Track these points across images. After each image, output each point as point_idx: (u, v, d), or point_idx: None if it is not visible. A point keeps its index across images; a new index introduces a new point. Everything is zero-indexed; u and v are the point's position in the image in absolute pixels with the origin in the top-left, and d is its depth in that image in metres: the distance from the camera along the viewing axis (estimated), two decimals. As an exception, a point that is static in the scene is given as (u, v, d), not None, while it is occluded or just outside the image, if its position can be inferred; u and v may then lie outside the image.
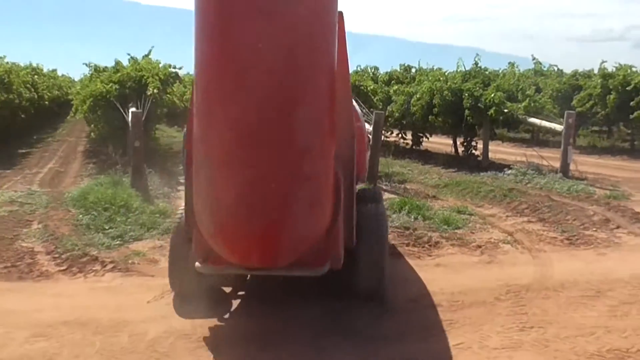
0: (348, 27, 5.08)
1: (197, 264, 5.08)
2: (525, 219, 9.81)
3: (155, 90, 14.38)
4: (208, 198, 4.61)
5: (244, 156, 4.33)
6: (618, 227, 9.21)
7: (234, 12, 4.17)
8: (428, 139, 19.63)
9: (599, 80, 19.88)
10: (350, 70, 7.70)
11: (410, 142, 19.45)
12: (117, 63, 16.36)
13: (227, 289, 6.25)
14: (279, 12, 4.18)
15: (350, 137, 5.33)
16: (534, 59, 26.42)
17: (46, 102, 27.50)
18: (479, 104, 15.02)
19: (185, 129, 5.57)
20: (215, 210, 4.57)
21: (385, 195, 11.20)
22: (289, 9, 4.21)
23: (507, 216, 10.05)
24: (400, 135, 19.45)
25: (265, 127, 4.26)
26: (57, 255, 7.36)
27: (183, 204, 5.52)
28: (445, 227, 8.98)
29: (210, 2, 4.31)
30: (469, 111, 15.29)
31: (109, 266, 7.04)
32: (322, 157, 4.66)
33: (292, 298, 6.09)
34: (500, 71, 17.59)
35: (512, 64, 18.38)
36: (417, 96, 17.12)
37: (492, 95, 14.75)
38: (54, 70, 37.26)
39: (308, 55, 4.35)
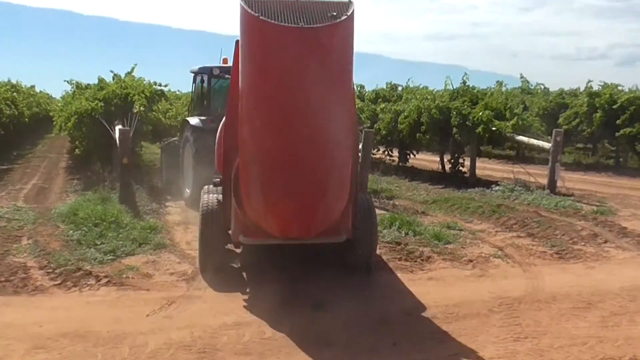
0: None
1: (241, 238, 6.79)
2: (515, 234, 9.91)
3: (141, 108, 14.35)
4: (260, 186, 6.25)
5: (294, 152, 5.96)
6: (606, 242, 9.33)
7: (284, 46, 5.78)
8: (415, 156, 19.73)
9: (585, 99, 20.15)
10: None
11: (396, 159, 19.53)
12: (101, 80, 16.31)
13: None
14: (318, 40, 5.73)
15: (356, 140, 6.84)
16: (521, 77, 26.64)
17: (26, 119, 27.34)
18: (467, 122, 15.15)
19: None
20: (267, 194, 6.23)
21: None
22: (326, 40, 5.75)
23: (496, 231, 10.14)
24: (386, 152, 19.53)
25: (310, 131, 5.91)
26: (50, 270, 7.33)
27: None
28: (436, 242, 9.05)
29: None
30: (457, 129, 15.41)
31: (104, 280, 7.04)
32: (347, 149, 6.39)
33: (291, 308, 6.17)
34: (487, 89, 17.69)
35: (500, 83, 18.56)
36: (405, 114, 17.23)
37: (480, 113, 14.88)
38: (33, 87, 37.07)
39: (340, 82, 6.04)
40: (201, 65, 12.47)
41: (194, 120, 11.93)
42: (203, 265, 7.36)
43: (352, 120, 6.59)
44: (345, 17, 5.76)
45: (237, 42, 6.36)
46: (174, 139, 13.98)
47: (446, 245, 8.95)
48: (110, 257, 7.95)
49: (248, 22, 5.78)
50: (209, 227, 7.18)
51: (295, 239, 6.74)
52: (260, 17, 5.62)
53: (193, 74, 12.93)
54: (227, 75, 11.26)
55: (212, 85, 12.26)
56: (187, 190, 12.02)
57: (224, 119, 7.29)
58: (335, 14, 5.77)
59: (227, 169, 6.87)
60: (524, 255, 8.60)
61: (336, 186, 6.33)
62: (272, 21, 5.62)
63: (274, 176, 6.10)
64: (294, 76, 5.77)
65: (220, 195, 7.23)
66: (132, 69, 16.40)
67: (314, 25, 5.65)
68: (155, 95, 15.99)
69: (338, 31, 5.78)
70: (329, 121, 5.95)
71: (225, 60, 12.13)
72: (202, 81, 12.57)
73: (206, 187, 7.95)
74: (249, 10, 5.69)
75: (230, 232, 7.10)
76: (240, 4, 5.78)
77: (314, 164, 6.09)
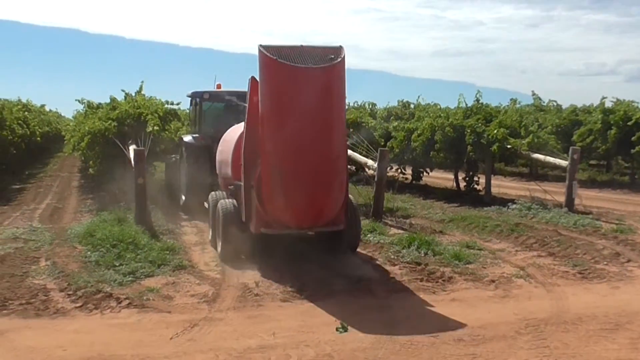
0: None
1: (262, 229, 8.60)
2: (535, 253, 9.81)
3: (155, 128, 14.36)
4: (282, 189, 8.10)
5: (308, 163, 7.97)
6: (629, 261, 9.22)
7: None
8: (428, 174, 19.66)
9: (599, 116, 20.04)
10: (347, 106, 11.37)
11: (409, 177, 19.45)
12: (113, 100, 16.35)
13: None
14: (319, 77, 7.82)
15: (347, 152, 9.19)
16: (533, 94, 26.55)
17: (38, 138, 27.49)
18: (482, 140, 15.09)
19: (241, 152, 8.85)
20: (287, 194, 8.10)
21: (392, 231, 11.23)
22: (326, 76, 7.85)
23: (516, 251, 10.04)
24: (399, 170, 19.46)
25: (318, 145, 7.94)
26: (71, 292, 7.32)
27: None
28: (457, 262, 8.97)
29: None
30: (472, 147, 15.36)
31: (124, 302, 6.99)
32: (344, 160, 8.68)
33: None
34: (500, 107, 17.63)
35: (513, 100, 18.46)
36: (418, 132, 17.16)
37: (495, 131, 14.82)
38: (43, 106, 37.29)
39: (337, 109, 8.18)
40: (195, 90, 14.12)
41: (187, 138, 13.83)
42: (224, 253, 9.06)
43: (345, 135, 8.87)
44: (340, 59, 7.85)
45: (251, 77, 8.42)
46: (175, 155, 14.83)
47: (467, 265, 8.87)
48: (129, 279, 7.93)
49: (267, 63, 7.74)
50: (229, 223, 9.03)
51: (308, 228, 8.84)
52: (277, 60, 7.58)
53: (189, 97, 14.53)
54: (216, 101, 13.80)
55: (202, 108, 13.99)
56: (182, 197, 13.71)
57: (239, 140, 9.20)
58: (332, 56, 7.85)
59: (247, 177, 8.68)
60: (547, 275, 8.50)
61: (338, 186, 8.46)
62: (286, 62, 7.59)
63: (292, 181, 8.05)
64: (304, 104, 7.77)
65: (234, 200, 9.35)
66: (141, 87, 16.46)
67: (318, 66, 7.72)
68: (169, 115, 16.04)
69: (335, 70, 7.87)
70: (332, 137, 8.16)
71: (219, 86, 13.94)
72: (196, 104, 14.25)
73: (213, 193, 10.42)
74: (267, 54, 7.65)
75: (251, 225, 8.78)
76: (260, 49, 7.71)
77: (322, 171, 8.10)
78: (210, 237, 10.25)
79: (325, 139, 8.02)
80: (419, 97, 23.53)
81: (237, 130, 9.96)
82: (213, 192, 10.41)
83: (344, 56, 7.88)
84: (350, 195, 9.41)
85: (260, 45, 7.71)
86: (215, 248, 9.63)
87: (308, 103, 7.72)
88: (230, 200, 9.48)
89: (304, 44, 7.95)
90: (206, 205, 10.66)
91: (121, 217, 11.29)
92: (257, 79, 8.16)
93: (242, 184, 8.87)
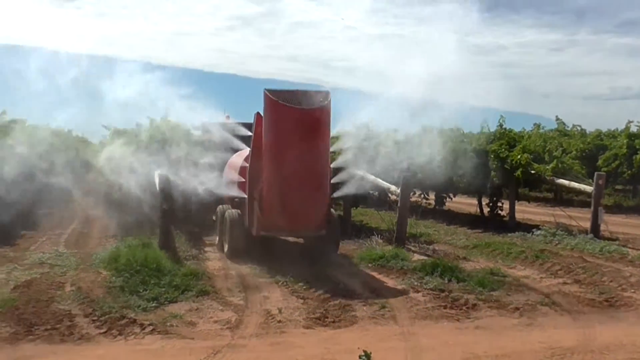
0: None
1: (262, 232, 10.77)
2: (560, 280, 9.70)
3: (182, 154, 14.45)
4: (280, 201, 10.33)
5: (299, 181, 10.13)
6: (657, 289, 9.07)
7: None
8: (452, 199, 19.56)
9: (624, 140, 19.90)
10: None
11: (433, 203, 19.38)
12: (139, 126, 16.53)
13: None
14: (310, 116, 10.13)
15: (330, 173, 11.01)
16: (557, 119, 26.35)
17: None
18: (505, 165, 15.03)
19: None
20: (284, 205, 10.31)
21: (415, 257, 11.18)
22: (317, 115, 10.11)
23: (541, 277, 9.94)
24: (422, 195, 19.40)
25: (307, 171, 10.16)
26: (95, 318, 7.35)
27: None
28: (481, 289, 8.89)
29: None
30: (495, 172, 15.29)
31: (148, 329, 7.02)
32: (328, 180, 10.77)
33: None
34: (524, 132, 17.53)
35: (537, 125, 18.34)
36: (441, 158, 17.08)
37: (519, 156, 14.76)
38: (70, 131, 37.52)
39: (323, 140, 10.29)
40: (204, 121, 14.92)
41: None
42: (231, 252, 11.21)
43: (328, 159, 10.86)
44: (326, 102, 10.17)
45: (256, 113, 10.64)
46: None
47: (491, 293, 8.79)
48: (153, 305, 7.96)
49: (269, 103, 10.10)
50: (234, 228, 11.24)
51: (297, 231, 11.29)
52: (279, 102, 9.93)
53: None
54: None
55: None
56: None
57: (244, 163, 11.54)
58: (321, 99, 10.24)
59: (251, 191, 10.90)
60: (572, 303, 8.40)
61: (323, 200, 10.70)
62: (286, 104, 9.96)
63: (287, 195, 10.28)
64: (300, 136, 10.04)
65: (239, 210, 11.47)
66: (166, 113, 16.60)
67: (310, 107, 10.19)
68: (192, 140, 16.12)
69: (323, 110, 10.16)
70: (319, 162, 10.40)
71: (227, 117, 15.12)
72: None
73: (220, 206, 12.58)
74: (271, 97, 10.03)
75: (252, 229, 10.93)
76: (265, 92, 10.07)
77: (312, 187, 10.32)
78: (217, 242, 12.39)
79: (313, 163, 10.26)
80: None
81: (241, 155, 12.35)
82: (220, 206, 12.62)
83: (330, 99, 10.19)
84: (332, 209, 11.55)
85: (265, 89, 10.07)
86: (222, 250, 11.81)
87: (301, 135, 10.04)
88: (235, 210, 11.60)
89: (314, 77, 10.61)
90: (214, 217, 12.96)
91: (145, 242, 11.34)
92: (261, 114, 10.46)
93: (247, 197, 11.04)
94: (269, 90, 10.08)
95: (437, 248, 12.41)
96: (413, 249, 12.14)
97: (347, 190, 12.77)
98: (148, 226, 13.32)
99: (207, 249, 12.31)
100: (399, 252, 11.18)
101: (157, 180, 12.76)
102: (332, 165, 11.60)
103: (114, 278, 9.16)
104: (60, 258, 10.95)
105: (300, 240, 12.31)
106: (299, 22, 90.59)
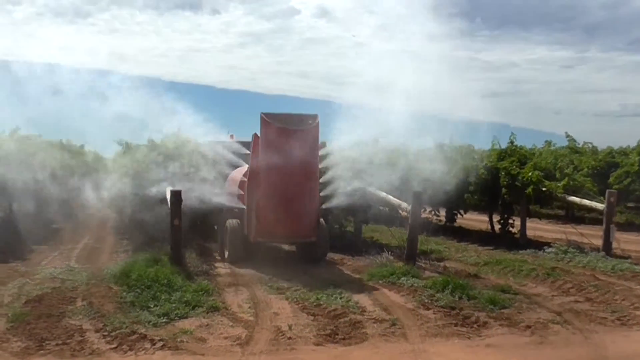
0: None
1: (258, 239, 12.14)
2: (572, 298, 9.64)
3: (193, 169, 14.52)
4: (274, 210, 11.72)
5: (291, 194, 11.73)
6: (669, 308, 9.00)
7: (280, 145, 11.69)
8: (462, 216, 19.49)
9: (636, 158, 19.80)
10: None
11: (443, 219, 19.31)
12: (151, 141, 16.62)
13: None
14: (300, 136, 11.60)
15: (319, 186, 12.41)
16: (567, 135, 26.24)
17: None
18: (516, 182, 14.99)
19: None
20: (278, 214, 11.70)
21: (425, 274, 11.14)
22: (306, 136, 11.64)
23: (552, 295, 9.88)
24: (433, 212, 19.34)
25: (298, 184, 11.76)
26: (106, 333, 7.38)
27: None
28: (492, 306, 8.85)
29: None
30: (506, 189, 15.26)
31: (158, 344, 7.03)
32: (316, 191, 12.25)
33: None
34: (535, 149, 17.48)
35: (548, 142, 18.27)
36: (452, 174, 17.06)
37: (530, 173, 14.73)
38: (82, 146, 37.76)
39: (312, 155, 11.77)
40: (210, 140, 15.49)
41: None
42: (231, 257, 12.40)
43: (317, 174, 12.22)
44: (315, 123, 11.67)
45: (254, 134, 11.96)
46: None
47: (502, 310, 8.75)
48: (164, 320, 7.98)
49: (265, 125, 11.59)
50: (234, 235, 12.46)
51: (291, 237, 12.54)
52: (274, 124, 11.50)
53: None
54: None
55: None
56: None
57: (243, 177, 12.80)
58: (310, 122, 11.68)
59: (250, 201, 12.24)
60: (584, 322, 8.34)
61: (313, 210, 12.12)
62: (280, 125, 11.50)
63: (281, 206, 11.74)
64: (292, 154, 11.34)
65: (238, 220, 12.62)
66: (178, 129, 16.68)
67: (301, 128, 11.61)
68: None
69: (312, 131, 11.73)
70: (309, 176, 11.86)
71: (231, 136, 16.18)
72: None
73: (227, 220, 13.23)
74: (267, 119, 11.54)
75: (250, 236, 12.27)
76: (261, 116, 11.55)
77: (303, 198, 11.86)
78: (218, 249, 13.57)
79: (304, 177, 11.75)
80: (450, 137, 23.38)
81: (240, 171, 13.57)
82: (228, 220, 13.45)
83: (318, 121, 11.72)
84: (321, 219, 12.67)
85: (262, 113, 11.55)
86: (222, 255, 12.96)
87: (293, 153, 11.35)
88: (235, 219, 12.73)
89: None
90: (215, 227, 14.30)
91: (156, 258, 11.37)
92: (258, 135, 11.78)
93: (245, 207, 12.42)
94: (265, 114, 11.57)
95: (447, 265, 12.37)
96: (424, 265, 12.10)
97: (337, 201, 13.35)
98: (159, 241, 13.35)
99: (217, 264, 12.33)
100: (410, 269, 11.14)
101: (168, 196, 12.82)
102: (321, 180, 12.77)
103: (125, 293, 9.20)
104: (71, 273, 10.99)
105: (293, 247, 13.97)
106: (309, 39, 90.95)
